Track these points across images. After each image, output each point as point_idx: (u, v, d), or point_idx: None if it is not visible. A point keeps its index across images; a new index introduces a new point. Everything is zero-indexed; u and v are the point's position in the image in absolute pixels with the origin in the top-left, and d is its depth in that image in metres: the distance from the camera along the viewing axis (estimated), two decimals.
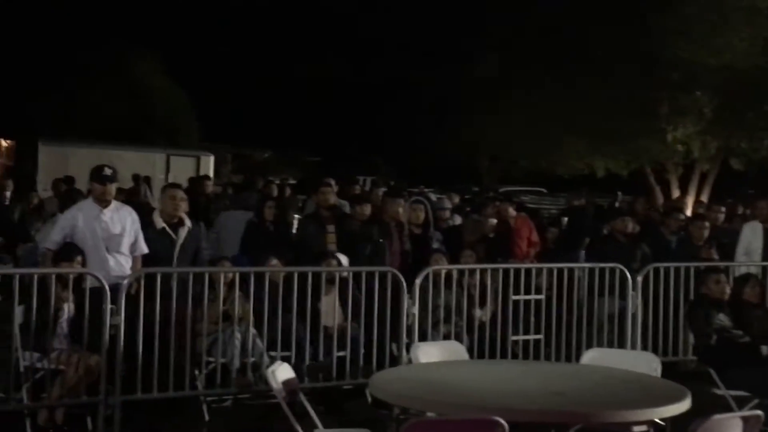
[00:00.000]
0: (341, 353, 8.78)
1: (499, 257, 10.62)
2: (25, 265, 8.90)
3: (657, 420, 5.51)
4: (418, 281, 8.84)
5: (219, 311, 8.42)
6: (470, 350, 8.48)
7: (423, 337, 8.74)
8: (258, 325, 8.49)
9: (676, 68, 20.02)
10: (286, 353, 8.38)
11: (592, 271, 9.74)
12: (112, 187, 8.59)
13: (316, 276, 8.71)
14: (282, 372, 5.99)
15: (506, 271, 9.49)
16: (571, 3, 20.85)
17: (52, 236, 8.50)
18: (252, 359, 8.42)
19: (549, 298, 9.50)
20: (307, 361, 8.56)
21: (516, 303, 9.42)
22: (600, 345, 9.27)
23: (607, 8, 20.30)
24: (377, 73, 38.84)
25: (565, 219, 14.44)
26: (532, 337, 9.44)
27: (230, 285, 8.56)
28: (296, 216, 13.33)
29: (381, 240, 9.97)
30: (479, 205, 13.54)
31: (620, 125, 20.60)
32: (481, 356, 8.91)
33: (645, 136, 21.01)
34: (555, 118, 21.44)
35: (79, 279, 7.92)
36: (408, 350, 8.51)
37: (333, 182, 11.14)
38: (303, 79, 41.94)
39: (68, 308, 7.91)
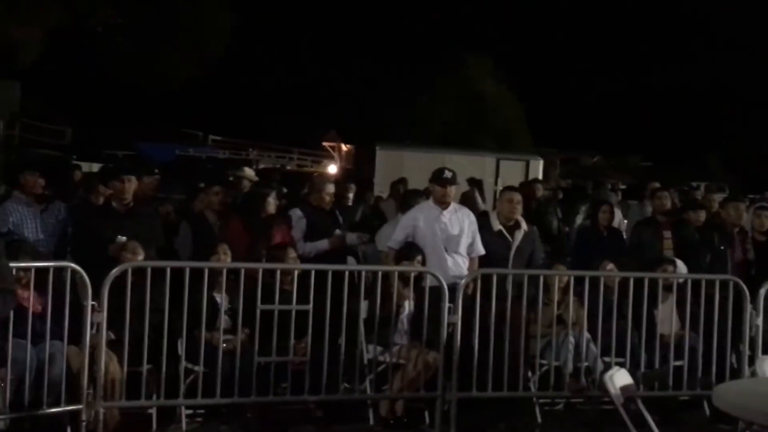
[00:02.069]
0: (678, 363, 8.52)
1: None
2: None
3: None
4: (762, 291, 8.40)
5: (553, 314, 8.45)
6: None
7: (766, 350, 8.29)
8: (592, 330, 8.42)
9: None
10: (620, 359, 8.24)
11: None
12: (452, 189, 8.85)
13: (653, 282, 8.53)
14: (620, 377, 5.91)
15: None
16: None
17: (394, 236, 8.88)
18: (585, 364, 8.37)
19: None
20: (642, 369, 8.38)
21: None
22: None
23: None
24: (714, 76, 37.38)
25: None
26: None
27: (565, 289, 8.55)
28: (624, 221, 13.12)
29: (722, 247, 9.57)
30: None
31: None
32: None
33: None
34: None
35: (419, 277, 8.22)
36: (750, 363, 8.16)
37: (668, 188, 10.83)
38: (634, 83, 41.13)
39: (408, 305, 8.23)
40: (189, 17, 32.76)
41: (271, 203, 9.08)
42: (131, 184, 8.33)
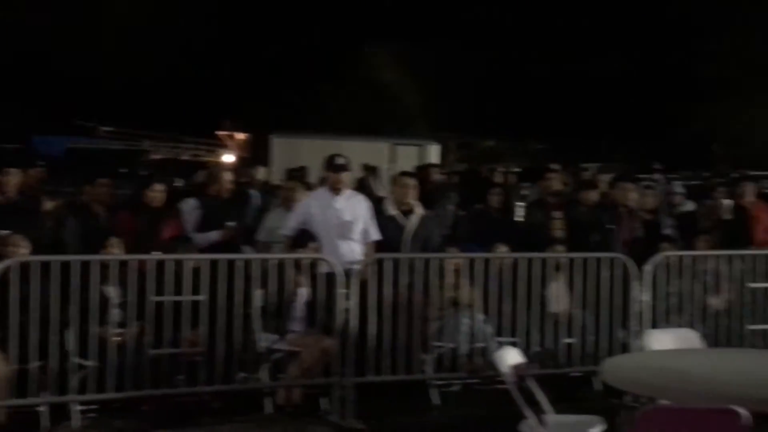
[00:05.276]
0: (569, 340, 8.71)
1: (735, 244, 10.18)
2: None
3: None
4: (648, 268, 8.64)
5: (448, 297, 8.53)
6: (704, 339, 8.18)
7: (653, 325, 8.52)
8: (486, 311, 8.53)
9: None
10: (514, 339, 8.38)
11: None
12: (345, 176, 8.85)
13: (543, 262, 8.68)
14: (510, 356, 5.99)
15: (743, 258, 9.11)
16: None
17: (288, 223, 8.85)
18: (480, 344, 8.48)
19: None
20: (535, 347, 8.53)
21: (754, 291, 9.02)
22: None
23: None
24: (606, 61, 38.19)
25: None
26: None
27: (459, 271, 8.63)
28: (519, 204, 13.29)
29: (610, 226, 9.79)
30: (706, 189, 13.04)
31: None
32: (715, 346, 8.58)
33: None
34: None
35: (314, 264, 8.21)
36: (638, 338, 8.36)
37: (558, 168, 11.02)
38: (530, 68, 41.70)
39: (304, 292, 8.22)
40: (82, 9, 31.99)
41: (157, 196, 8.90)
42: (12, 177, 8.11)
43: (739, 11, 21.65)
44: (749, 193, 11.13)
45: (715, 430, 4.54)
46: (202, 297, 7.57)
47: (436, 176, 14.93)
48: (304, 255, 8.30)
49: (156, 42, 40.35)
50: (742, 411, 4.49)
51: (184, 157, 36.26)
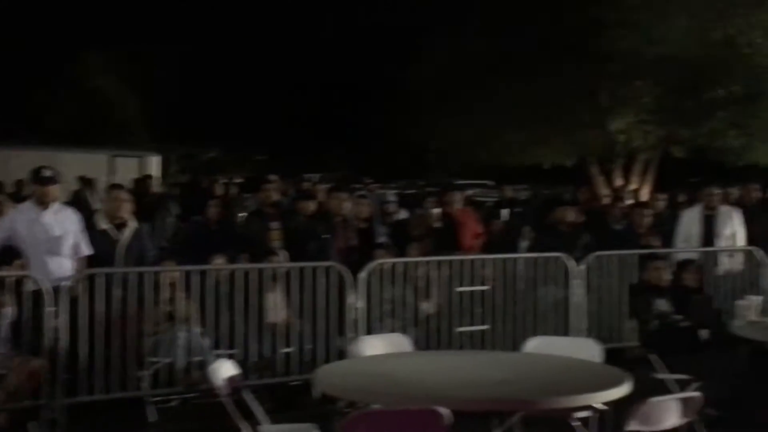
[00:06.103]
0: (287, 349, 8.79)
1: (445, 250, 10.67)
2: None
3: (599, 405, 5.57)
4: (362, 275, 8.88)
5: (163, 311, 8.39)
6: (417, 343, 8.50)
7: (370, 332, 8.75)
8: (203, 324, 8.46)
9: (616, 59, 19.99)
10: (232, 351, 8.36)
11: (535, 260, 9.85)
12: (52, 189, 8.49)
13: (261, 272, 8.72)
14: (224, 369, 5.97)
15: (451, 264, 9.56)
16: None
17: None
18: (197, 358, 8.39)
19: (494, 289, 9.60)
20: (253, 358, 8.55)
21: (461, 294, 9.49)
22: (544, 333, 9.30)
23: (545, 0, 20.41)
24: (327, 70, 39.00)
25: (504, 211, 14.48)
26: (477, 327, 9.51)
27: (175, 285, 8.51)
28: (242, 214, 13.33)
29: (326, 235, 9.98)
30: (420, 198, 13.63)
31: (560, 117, 20.66)
32: (427, 348, 8.95)
33: (585, 127, 21.03)
34: (497, 112, 21.42)
35: (20, 282, 7.84)
36: (354, 344, 8.57)
37: (276, 179, 11.12)
38: (251, 77, 41.81)
39: (9, 312, 7.82)
40: None
41: None
42: None
43: (451, 23, 22.71)
44: (456, 201, 11.70)
45: (418, 431, 4.73)
46: None
47: (156, 188, 14.74)
48: (9, 273, 7.90)
49: None
50: (444, 410, 4.69)
51: None
